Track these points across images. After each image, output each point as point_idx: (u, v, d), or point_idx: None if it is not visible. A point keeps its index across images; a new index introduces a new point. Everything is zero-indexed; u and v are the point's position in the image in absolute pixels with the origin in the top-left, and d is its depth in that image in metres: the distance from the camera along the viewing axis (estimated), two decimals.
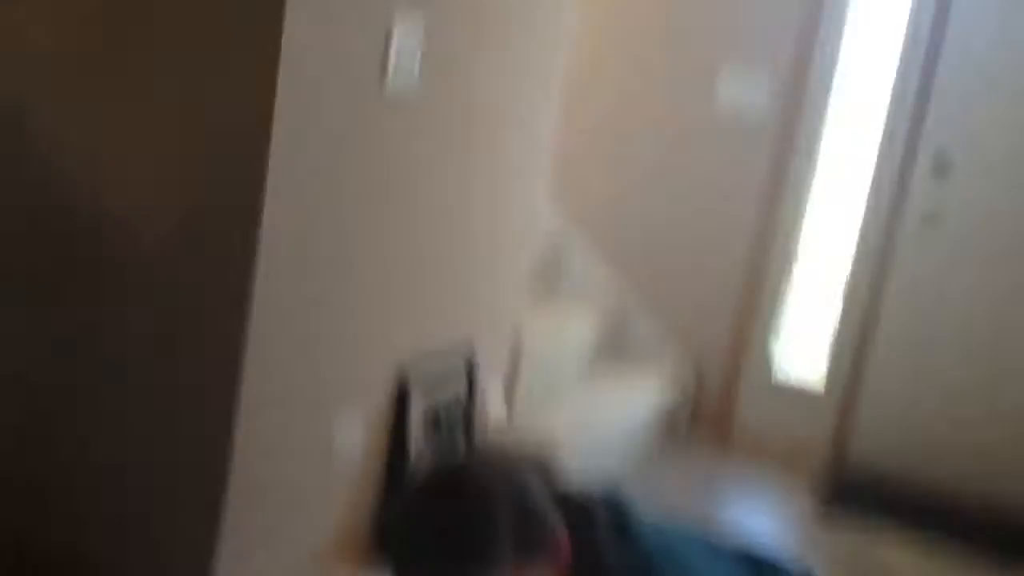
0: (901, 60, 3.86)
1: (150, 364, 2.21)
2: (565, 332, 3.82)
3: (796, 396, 4.12)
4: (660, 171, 4.15)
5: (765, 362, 4.14)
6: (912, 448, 3.95)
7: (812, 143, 4.01)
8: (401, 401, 2.67)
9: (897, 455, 3.96)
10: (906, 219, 3.87)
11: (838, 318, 4.07)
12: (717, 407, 4.15)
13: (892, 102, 3.90)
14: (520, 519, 1.24)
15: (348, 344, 2.44)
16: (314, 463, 2.43)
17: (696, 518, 3.45)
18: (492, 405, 3.19)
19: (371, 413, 2.59)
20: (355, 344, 2.47)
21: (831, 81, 4.00)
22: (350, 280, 2.40)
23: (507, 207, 3.06)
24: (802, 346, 4.20)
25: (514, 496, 1.25)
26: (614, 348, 4.19)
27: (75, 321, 2.28)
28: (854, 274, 4.01)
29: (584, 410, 3.56)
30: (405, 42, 2.32)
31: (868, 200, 3.97)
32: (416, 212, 2.58)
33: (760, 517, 3.68)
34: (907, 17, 3.86)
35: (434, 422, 2.82)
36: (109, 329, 2.25)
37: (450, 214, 2.74)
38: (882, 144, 3.94)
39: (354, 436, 2.53)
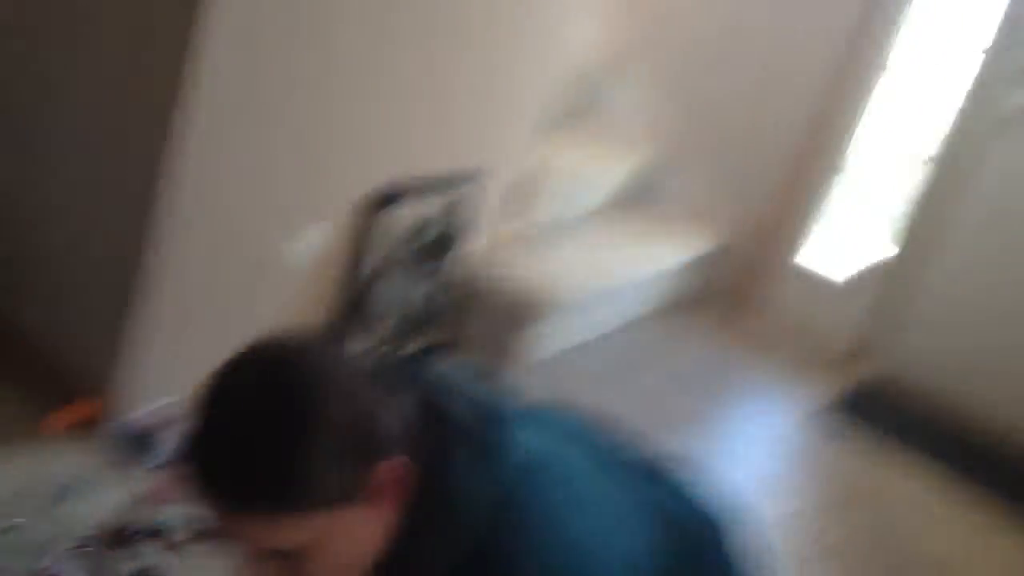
0: None
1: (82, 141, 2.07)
2: (591, 166, 3.58)
3: (825, 288, 3.85)
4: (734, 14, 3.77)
5: (797, 246, 3.86)
6: (939, 365, 3.65)
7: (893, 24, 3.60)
8: (373, 217, 2.51)
9: (922, 370, 3.65)
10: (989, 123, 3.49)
11: (901, 212, 3.73)
12: (738, 282, 3.92)
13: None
14: (348, 444, 0.96)
15: (314, 157, 2.28)
16: (256, 272, 2.31)
17: (668, 402, 3.26)
18: (485, 229, 3.01)
19: (336, 228, 2.44)
20: (322, 158, 2.31)
21: None
22: (325, 94, 2.19)
23: (534, 18, 2.77)
24: (841, 237, 3.91)
25: (348, 412, 0.96)
26: (641, 195, 3.95)
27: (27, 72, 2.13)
28: (939, 164, 3.62)
29: (590, 252, 3.36)
30: None
31: (952, 100, 3.57)
32: (416, 21, 2.33)
33: (757, 411, 3.42)
34: None
35: (410, 241, 2.66)
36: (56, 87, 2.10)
37: (462, 25, 2.48)
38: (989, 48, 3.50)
39: (308, 249, 2.39)
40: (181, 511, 1.94)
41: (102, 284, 2.13)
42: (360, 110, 2.31)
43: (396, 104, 2.41)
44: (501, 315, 2.97)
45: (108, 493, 1.98)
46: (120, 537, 1.85)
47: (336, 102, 2.23)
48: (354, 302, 2.56)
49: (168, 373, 2.21)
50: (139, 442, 2.10)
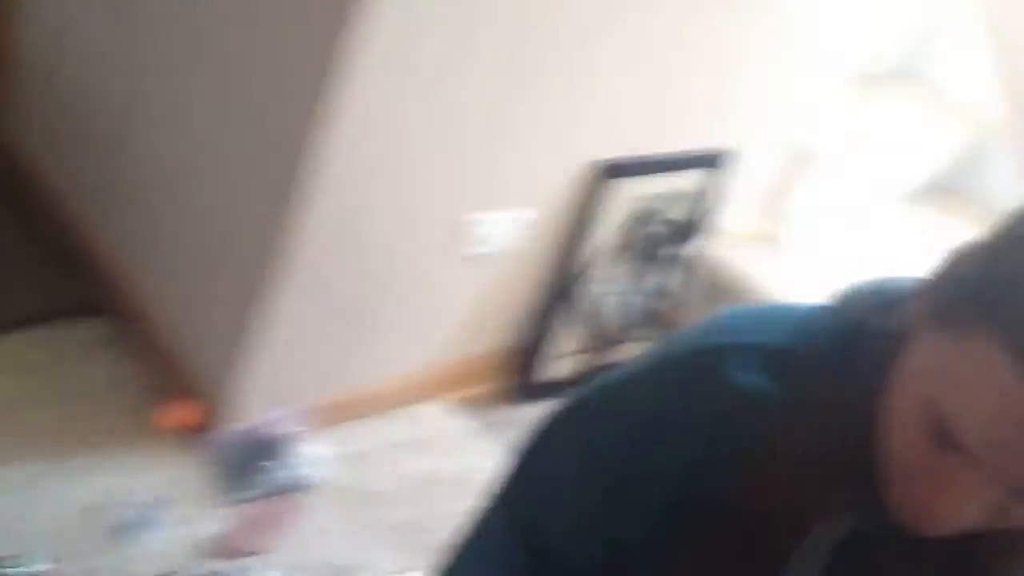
0: None
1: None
2: (894, 141, 2.85)
3: None
4: None
5: None
6: None
7: None
8: (588, 202, 2.07)
9: None
10: None
11: None
12: None
13: None
14: None
15: (515, 135, 1.87)
16: (428, 264, 1.94)
17: None
18: (733, 221, 2.45)
19: (544, 213, 2.09)
20: (527, 136, 1.91)
21: None
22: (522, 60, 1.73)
23: None
24: None
25: None
26: (958, 182, 3.14)
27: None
28: None
29: (866, 255, 2.67)
30: None
31: None
32: None
33: None
34: None
35: (634, 229, 2.20)
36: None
37: None
38: None
39: (504, 236, 1.99)
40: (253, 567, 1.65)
41: (232, 265, 1.83)
42: (564, 82, 1.84)
43: (614, 76, 1.92)
44: None
45: (185, 526, 1.71)
46: None
47: (537, 70, 1.78)
48: (560, 296, 2.17)
49: (293, 380, 1.90)
50: (243, 463, 1.81)
